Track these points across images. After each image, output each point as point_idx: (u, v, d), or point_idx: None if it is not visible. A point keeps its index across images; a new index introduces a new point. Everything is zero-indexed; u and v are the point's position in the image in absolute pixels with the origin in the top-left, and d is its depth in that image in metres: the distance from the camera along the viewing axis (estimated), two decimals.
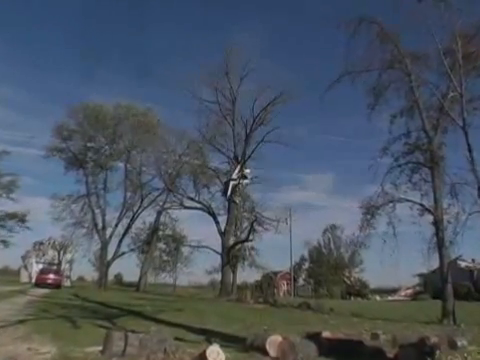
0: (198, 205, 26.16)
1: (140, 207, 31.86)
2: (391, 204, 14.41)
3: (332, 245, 45.91)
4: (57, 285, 25.41)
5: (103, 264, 31.13)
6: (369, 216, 14.56)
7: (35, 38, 65.78)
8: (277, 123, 24.53)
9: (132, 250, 34.69)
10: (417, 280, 35.30)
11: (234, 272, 34.01)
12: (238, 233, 33.48)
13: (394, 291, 35.69)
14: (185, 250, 41.16)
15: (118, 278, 52.18)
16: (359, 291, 36.17)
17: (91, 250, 32.45)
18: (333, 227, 45.63)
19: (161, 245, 39.05)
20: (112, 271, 39.43)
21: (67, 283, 34.13)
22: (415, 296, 31.16)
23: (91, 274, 52.13)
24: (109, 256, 31.43)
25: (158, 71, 59.73)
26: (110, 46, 67.59)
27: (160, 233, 35.03)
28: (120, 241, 31.91)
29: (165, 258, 46.60)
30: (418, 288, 33.96)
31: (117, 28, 65.66)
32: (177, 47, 66.96)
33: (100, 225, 31.57)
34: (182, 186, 28.06)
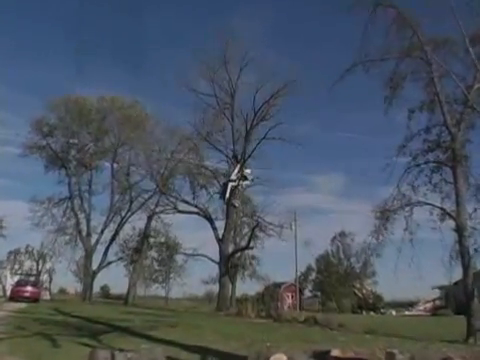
0: (193, 209, 26.12)
1: (129, 211, 31.85)
2: (408, 208, 14.34)
3: (342, 254, 45.90)
4: (35, 299, 25.26)
5: (88, 275, 31.03)
6: (383, 221, 14.47)
7: (17, 26, 65.42)
8: (281, 118, 24.54)
9: (120, 259, 34.64)
10: (437, 293, 35.24)
11: (233, 283, 33.91)
12: (237, 240, 33.44)
13: (411, 305, 35.66)
14: (179, 259, 41.12)
15: (104, 290, 52.04)
16: (372, 305, 36.18)
17: (74, 259, 32.51)
18: (343, 233, 45.62)
19: (152, 253, 39.01)
20: (98, 282, 39.33)
21: (46, 296, 33.95)
22: (435, 311, 31.13)
23: (74, 286, 51.74)
24: (94, 266, 31.43)
25: (149, 61, 59.92)
26: (100, 34, 67.40)
27: (151, 240, 34.98)
28: (107, 249, 31.90)
29: (157, 268, 46.52)
30: (439, 302, 33.93)
31: (107, 15, 65.53)
32: (170, 34, 67.13)
33: (84, 231, 31.52)
34: (175, 188, 28.15)
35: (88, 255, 31.08)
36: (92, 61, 56.19)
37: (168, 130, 27.97)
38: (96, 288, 41.82)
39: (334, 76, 15.03)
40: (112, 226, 32.14)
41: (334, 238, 46.49)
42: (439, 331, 14.13)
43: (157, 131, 28.61)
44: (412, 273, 13.36)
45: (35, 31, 66.36)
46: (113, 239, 32.11)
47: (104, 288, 52.82)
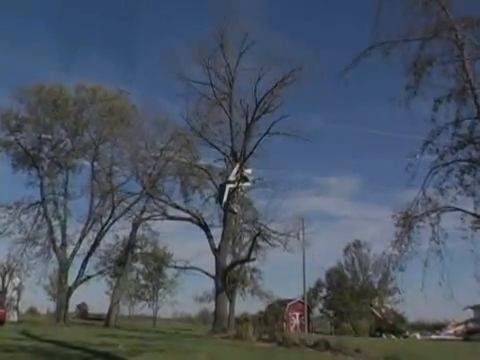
0: (185, 215, 26.01)
1: (111, 217, 31.79)
2: (435, 214, 14.19)
3: (357, 266, 45.92)
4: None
5: (62, 291, 30.89)
6: (406, 229, 14.35)
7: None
8: (286, 110, 24.42)
9: (100, 273, 34.62)
10: (471, 314, 35.02)
11: (232, 301, 33.89)
12: (237, 250, 33.40)
13: (440, 328, 35.51)
14: (169, 272, 41.24)
15: (82, 309, 52.07)
16: (393, 327, 36.04)
17: (47, 273, 32.30)
18: (358, 243, 45.71)
19: (138, 266, 39.04)
20: (74, 300, 39.32)
21: (13, 317, 33.72)
22: (468, 335, 30.90)
23: (46, 305, 51.87)
24: (70, 281, 31.31)
25: (140, 49, 60.05)
26: (87, 21, 67.97)
27: (137, 251, 35.00)
28: (85, 261, 31.78)
29: (143, 283, 46.69)
30: (472, 324, 33.69)
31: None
32: (163, 20, 67.19)
33: (59, 241, 31.44)
34: (165, 190, 28.09)
35: (63, 269, 30.93)
36: (78, 50, 56.68)
37: (157, 124, 27.91)
38: (72, 307, 41.87)
39: (348, 61, 14.88)
40: (91, 235, 32.12)
41: (348, 248, 46.62)
42: (473, 358, 13.96)
43: (144, 125, 28.60)
44: (441, 290, 13.22)
45: (16, 21, 67.19)
46: (92, 250, 32.01)
47: (82, 307, 52.84)
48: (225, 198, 22.83)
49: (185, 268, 28.43)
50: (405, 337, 33.91)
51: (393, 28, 14.22)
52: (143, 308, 49.19)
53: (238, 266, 31.15)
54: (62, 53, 69.58)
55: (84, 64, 58.60)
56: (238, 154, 24.29)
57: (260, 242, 26.92)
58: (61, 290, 31.08)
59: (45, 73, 61.42)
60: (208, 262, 25.09)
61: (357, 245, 45.96)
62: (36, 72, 60.90)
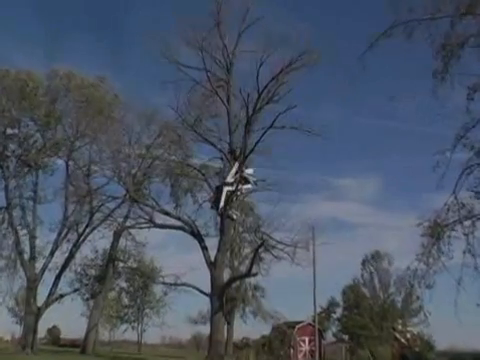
0: (176, 222, 26.00)
1: (89, 226, 31.65)
2: (469, 222, 14.21)
3: (376, 283, 45.80)
4: None
5: (30, 313, 30.69)
6: (433, 240, 14.35)
7: None
8: (294, 100, 24.33)
9: (76, 291, 34.46)
10: None
11: (230, 323, 33.81)
12: (236, 264, 33.31)
13: (478, 358, 35.26)
14: (157, 290, 41.24)
15: (54, 334, 51.99)
16: (419, 354, 36.01)
17: (12, 292, 32.01)
18: (378, 255, 45.55)
19: (121, 283, 38.89)
20: (44, 324, 39.16)
21: None
22: None
23: (10, 329, 51.61)
24: (40, 301, 31.06)
25: (126, 29, 60.05)
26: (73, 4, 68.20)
27: (119, 265, 34.89)
28: (57, 278, 31.60)
29: (127, 302, 46.61)
30: None
31: None
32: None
33: (27, 253, 31.22)
34: (152, 194, 28.04)
35: (31, 286, 30.73)
36: (64, 35, 56.79)
37: (143, 117, 27.94)
38: (42, 331, 41.74)
39: (365, 43, 14.84)
40: (65, 246, 31.90)
41: (366, 261, 46.45)
42: None
43: (128, 118, 28.63)
44: (478, 312, 13.18)
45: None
46: (67, 264, 31.86)
47: (53, 331, 52.73)
48: (222, 203, 22.84)
49: (175, 285, 28.53)
50: None
51: (417, 4, 14.24)
52: (126, 332, 49.22)
53: (237, 282, 31.15)
54: (46, 39, 69.77)
55: (70, 50, 58.80)
56: (237, 151, 24.31)
57: (263, 254, 26.90)
58: (29, 311, 30.84)
59: (27, 61, 61.56)
60: (202, 278, 25.09)
61: (377, 257, 45.86)
62: (17, 60, 61.16)
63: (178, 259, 45.98)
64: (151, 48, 24.86)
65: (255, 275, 27.11)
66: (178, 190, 28.95)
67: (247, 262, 27.76)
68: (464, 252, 13.94)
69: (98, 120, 29.85)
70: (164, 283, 31.32)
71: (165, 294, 39.40)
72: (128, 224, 29.82)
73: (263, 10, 25.09)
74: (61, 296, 32.30)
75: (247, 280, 31.52)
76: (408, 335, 40.26)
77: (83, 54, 62.07)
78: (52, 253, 31.30)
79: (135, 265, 35.88)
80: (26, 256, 31.22)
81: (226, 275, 26.09)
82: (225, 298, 24.61)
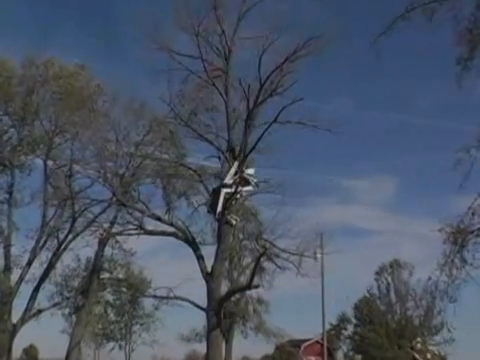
0: (169, 228, 25.94)
1: (71, 232, 31.71)
2: None
3: (393, 296, 45.85)
4: None
5: (4, 330, 30.70)
6: (457, 247, 14.39)
7: None
8: (301, 92, 24.24)
9: (56, 305, 34.52)
10: None
11: (228, 341, 33.91)
12: (235, 275, 33.36)
13: None
14: (147, 304, 41.28)
15: (30, 354, 52.01)
16: None
17: None
18: (395, 265, 45.59)
19: (107, 296, 38.94)
20: (20, 342, 39.04)
21: None
22: None
23: None
24: (16, 317, 31.13)
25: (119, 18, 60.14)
26: None
27: (105, 276, 34.92)
28: (35, 291, 31.68)
29: (113, 318, 46.61)
30: None
31: None
32: None
33: (1, 264, 31.31)
34: (142, 197, 27.95)
35: (6, 300, 30.77)
36: (50, 19, 56.87)
37: (131, 110, 27.90)
38: (17, 351, 41.64)
39: (380, 27, 14.85)
40: (45, 255, 32.02)
41: (381, 272, 46.56)
42: None
43: (115, 112, 28.56)
44: None
45: None
46: (46, 275, 31.95)
47: (30, 351, 52.75)
48: (220, 207, 22.84)
49: (167, 298, 28.44)
50: None
51: None
52: (113, 351, 49.22)
53: (237, 295, 31.19)
54: (30, 24, 70.10)
55: (56, 37, 58.94)
56: (237, 149, 24.29)
57: (265, 264, 27.00)
58: (2, 329, 30.84)
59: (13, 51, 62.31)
60: (198, 290, 25.15)
61: (394, 268, 45.97)
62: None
63: (171, 270, 46.07)
64: (141, 33, 24.89)
65: (257, 287, 27.14)
66: (171, 193, 28.94)
67: (248, 273, 27.85)
68: None
69: (80, 114, 29.79)
70: (155, 296, 31.21)
71: (156, 309, 39.52)
72: (115, 230, 29.79)
73: None
74: (39, 311, 32.34)
75: (248, 293, 31.64)
76: (429, 355, 40.35)
77: (69, 41, 62.15)
78: (29, 263, 31.37)
79: (122, 276, 35.91)
80: (0, 267, 31.32)
81: (224, 287, 26.16)
82: (223, 313, 24.58)
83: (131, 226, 26.91)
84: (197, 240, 25.71)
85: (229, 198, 23.19)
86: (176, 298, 26.48)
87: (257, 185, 24.53)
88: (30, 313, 31.53)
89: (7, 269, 31.22)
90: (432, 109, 56.09)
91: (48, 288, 33.32)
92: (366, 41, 15.10)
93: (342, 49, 24.58)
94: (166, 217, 26.61)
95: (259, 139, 24.17)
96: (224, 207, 22.99)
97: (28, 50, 31.50)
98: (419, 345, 41.30)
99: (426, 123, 57.87)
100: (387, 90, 59.13)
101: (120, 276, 35.92)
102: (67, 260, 33.70)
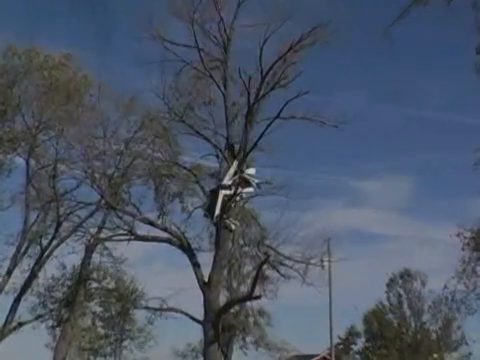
0: (162, 234, 25.93)
1: (55, 238, 31.72)
2: None
3: (406, 308, 45.83)
4: None
5: None
6: (476, 254, 14.45)
7: None
8: (306, 85, 24.17)
9: (39, 318, 34.48)
10: None
11: (227, 356, 33.81)
12: (235, 284, 33.29)
13: None
14: (139, 316, 41.19)
15: None
16: None
17: None
18: (408, 274, 45.63)
19: (94, 308, 38.90)
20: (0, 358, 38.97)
21: None
22: None
23: None
24: None
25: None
26: None
27: (92, 286, 34.89)
28: (16, 302, 31.67)
29: (102, 331, 46.50)
30: None
31: None
32: None
33: None
34: (133, 199, 28.11)
35: None
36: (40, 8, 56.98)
37: (121, 104, 27.94)
38: None
39: (394, 14, 14.89)
40: (26, 263, 32.02)
41: (394, 281, 46.62)
42: None
43: (103, 106, 28.56)
44: None
45: None
46: (28, 285, 31.93)
47: None
48: (218, 210, 22.82)
49: (161, 310, 28.46)
50: None
51: None
52: None
53: (237, 307, 31.15)
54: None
55: (46, 26, 59.10)
56: (236, 147, 24.29)
57: (268, 272, 26.97)
58: None
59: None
60: (194, 301, 25.17)
61: (407, 276, 46.03)
62: None
63: (164, 279, 46.00)
64: (133, 21, 24.95)
65: (258, 298, 27.09)
66: (164, 194, 29.02)
67: (248, 282, 27.83)
68: None
69: (66, 109, 29.86)
70: (147, 308, 31.32)
71: (150, 323, 39.41)
72: (103, 236, 29.82)
73: None
74: (20, 324, 32.34)
75: (248, 304, 31.58)
76: None
77: (58, 28, 62.14)
78: (9, 272, 31.37)
79: (112, 286, 35.90)
80: None
81: (223, 298, 26.15)
82: (222, 326, 24.59)
83: (121, 231, 26.85)
84: (193, 246, 25.71)
85: (228, 200, 23.18)
86: (170, 310, 26.48)
87: (258, 186, 24.49)
88: (10, 327, 31.52)
89: None
90: (450, 103, 56.05)
91: (30, 299, 33.34)
92: (379, 29, 15.15)
93: (352, 38, 24.47)
94: (159, 221, 26.67)
95: (261, 136, 24.11)
96: (222, 210, 22.97)
97: (13, 38, 31.60)
98: None
99: (443, 118, 57.98)
100: (401, 83, 58.94)
101: (109, 286, 35.94)
102: (51, 269, 33.71)
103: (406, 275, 46.14)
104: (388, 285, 46.94)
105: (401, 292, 46.69)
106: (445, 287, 15.06)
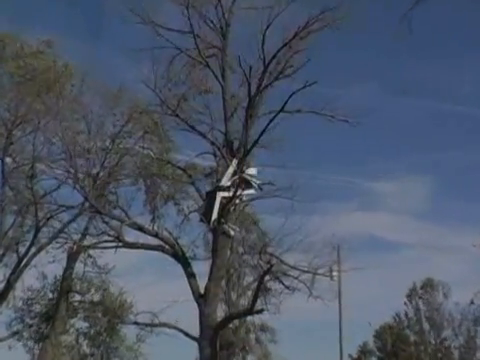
0: (153, 240, 25.95)
1: (33, 245, 31.74)
2: None
3: (425, 322, 45.83)
4: None
5: None
6: None
7: None
8: (313, 75, 24.17)
9: (15, 335, 34.56)
10: None
11: None
12: (234, 297, 33.26)
13: None
14: (128, 332, 40.98)
15: None
16: None
17: None
18: (429, 285, 45.63)
19: (78, 323, 38.89)
20: None
21: None
22: None
23: None
24: None
25: None
26: None
27: (75, 299, 34.93)
28: None
29: (86, 350, 46.54)
30: None
31: None
32: None
33: None
34: (121, 202, 28.06)
35: None
36: None
37: (107, 96, 27.92)
38: None
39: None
40: (2, 273, 32.00)
41: (412, 294, 46.58)
42: None
43: (87, 98, 28.57)
44: None
45: None
46: (3, 297, 31.94)
47: None
48: (215, 214, 22.86)
49: (152, 326, 28.51)
50: None
51: None
52: None
53: (236, 322, 31.15)
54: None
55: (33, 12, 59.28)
56: (235, 144, 24.37)
57: (271, 284, 26.95)
58: None
59: None
60: (189, 315, 25.19)
61: (427, 288, 46.00)
62: None
63: (156, 291, 45.82)
64: (121, 3, 24.94)
65: (260, 312, 27.09)
66: (155, 197, 28.98)
67: (249, 294, 27.85)
68: None
69: (45, 101, 29.78)
70: (137, 323, 31.18)
71: (140, 340, 39.37)
72: (87, 243, 29.73)
73: None
74: None
75: (249, 319, 31.59)
76: None
77: (40, 11, 62.35)
78: None
79: (97, 299, 35.93)
80: None
81: (221, 312, 26.19)
82: (219, 343, 24.67)
83: (107, 237, 26.81)
84: (188, 255, 25.69)
85: (226, 203, 23.19)
86: (162, 325, 26.50)
87: (260, 188, 24.48)
88: None
89: None
90: (475, 96, 55.93)
91: (6, 313, 33.40)
92: (397, 14, 15.12)
93: (367, 23, 24.39)
94: (150, 226, 26.59)
95: (263, 132, 24.13)
96: (220, 214, 23.00)
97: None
98: None
99: (467, 112, 57.74)
100: (419, 73, 58.81)
101: (94, 298, 36.01)
102: (29, 279, 33.74)
103: (428, 286, 46.14)
104: (408, 296, 46.88)
105: (420, 305, 46.67)
106: (472, 302, 15.01)
